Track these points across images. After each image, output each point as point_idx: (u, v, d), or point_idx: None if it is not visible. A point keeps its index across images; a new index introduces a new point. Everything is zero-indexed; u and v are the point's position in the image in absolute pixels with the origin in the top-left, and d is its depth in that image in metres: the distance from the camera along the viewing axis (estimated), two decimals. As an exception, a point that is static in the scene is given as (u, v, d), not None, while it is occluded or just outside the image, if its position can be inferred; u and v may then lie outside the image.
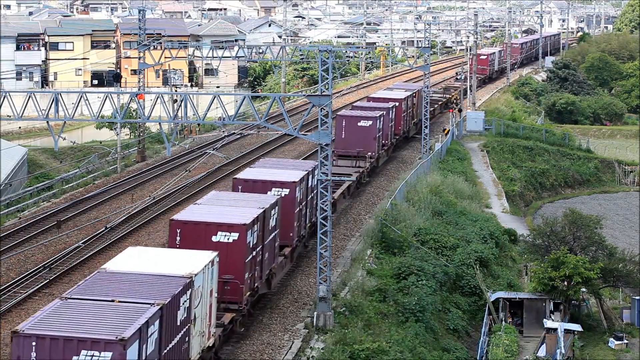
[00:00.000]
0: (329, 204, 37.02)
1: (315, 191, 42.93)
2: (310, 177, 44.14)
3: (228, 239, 32.62)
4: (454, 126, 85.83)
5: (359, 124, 62.40)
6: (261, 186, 40.44)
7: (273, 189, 40.34)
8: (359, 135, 61.71)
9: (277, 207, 37.89)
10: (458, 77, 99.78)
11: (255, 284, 35.01)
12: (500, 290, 49.60)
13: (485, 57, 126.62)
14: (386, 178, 65.18)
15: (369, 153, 61.83)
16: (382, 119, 64.36)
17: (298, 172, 43.02)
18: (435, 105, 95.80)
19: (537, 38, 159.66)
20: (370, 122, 62.14)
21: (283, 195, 40.01)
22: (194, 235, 32.73)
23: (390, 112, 68.85)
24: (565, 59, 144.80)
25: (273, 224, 37.22)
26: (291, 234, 41.05)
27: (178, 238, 33.08)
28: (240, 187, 40.56)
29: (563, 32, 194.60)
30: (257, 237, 34.40)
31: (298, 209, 41.79)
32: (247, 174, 42.97)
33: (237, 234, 32.68)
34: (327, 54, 40.12)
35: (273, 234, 37.36)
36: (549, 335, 44.87)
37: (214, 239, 32.58)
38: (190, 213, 35.01)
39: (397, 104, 72.01)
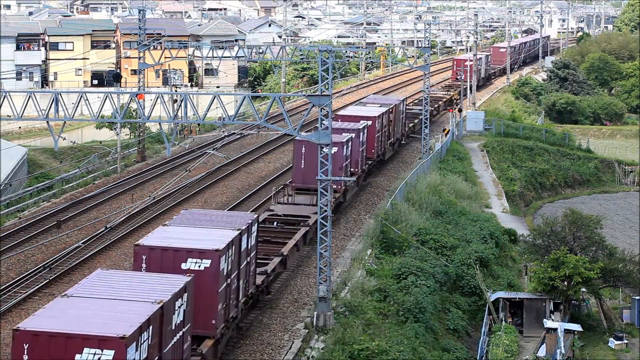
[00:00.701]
0: (329, 204, 37.02)
1: (251, 255, 34.10)
2: (245, 237, 33.20)
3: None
4: (454, 126, 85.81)
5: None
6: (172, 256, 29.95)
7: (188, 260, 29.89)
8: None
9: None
10: (458, 77, 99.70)
11: None
12: (500, 290, 49.61)
13: (472, 63, 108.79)
14: (386, 178, 65.17)
15: (334, 186, 50.83)
16: (350, 143, 54.49)
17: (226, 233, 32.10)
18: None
19: (525, 42, 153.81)
20: (335, 149, 47.85)
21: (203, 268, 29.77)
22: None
23: (362, 133, 58.02)
24: (565, 59, 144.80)
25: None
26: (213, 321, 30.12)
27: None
28: (144, 257, 29.90)
29: (563, 32, 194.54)
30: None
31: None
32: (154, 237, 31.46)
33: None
34: (327, 54, 40.12)
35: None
36: (549, 335, 44.88)
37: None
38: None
39: (369, 122, 61.33)
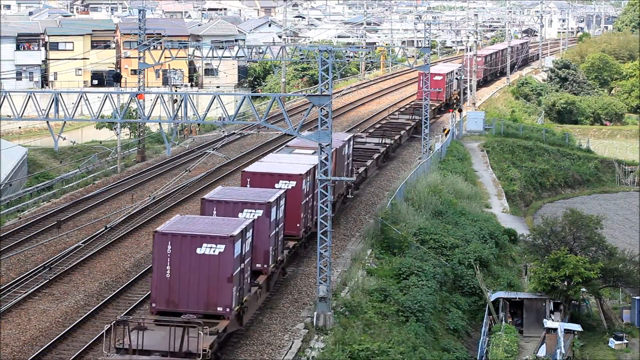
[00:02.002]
0: (329, 204, 37.02)
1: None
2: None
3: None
4: (454, 126, 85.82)
5: (198, 250, 32.05)
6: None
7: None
8: (199, 273, 31.96)
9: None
10: (458, 77, 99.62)
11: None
12: (500, 290, 49.61)
13: (441, 77, 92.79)
14: (386, 178, 65.17)
15: (220, 308, 32.12)
16: (253, 229, 34.75)
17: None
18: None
19: (504, 48, 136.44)
20: (222, 247, 31.78)
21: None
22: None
23: (275, 207, 37.85)
24: (565, 59, 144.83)
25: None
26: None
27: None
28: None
29: (563, 32, 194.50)
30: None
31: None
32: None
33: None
34: (327, 54, 40.13)
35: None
36: (549, 335, 44.88)
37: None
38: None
39: (294, 184, 42.68)
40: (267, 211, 37.15)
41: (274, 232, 37.97)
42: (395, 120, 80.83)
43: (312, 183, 44.83)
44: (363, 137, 69.69)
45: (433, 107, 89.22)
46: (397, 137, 73.85)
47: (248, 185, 42.28)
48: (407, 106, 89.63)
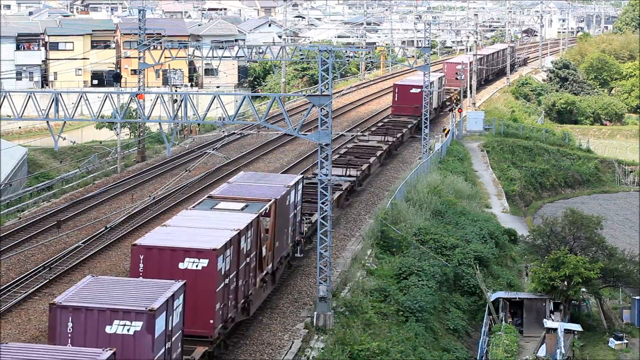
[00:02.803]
0: (329, 204, 37.03)
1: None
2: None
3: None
4: (454, 126, 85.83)
5: None
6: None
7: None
8: None
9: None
10: (458, 77, 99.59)
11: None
12: (500, 290, 49.62)
13: (418, 89, 77.51)
14: (386, 178, 65.19)
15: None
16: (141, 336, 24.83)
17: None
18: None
19: (487, 54, 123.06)
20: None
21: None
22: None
23: (172, 302, 26.31)
24: (565, 59, 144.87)
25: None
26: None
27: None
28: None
29: (563, 32, 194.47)
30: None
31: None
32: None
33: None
34: (327, 54, 40.14)
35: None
36: (549, 335, 44.89)
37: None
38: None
39: (206, 262, 30.43)
40: (149, 323, 24.88)
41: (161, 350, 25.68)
42: (364, 144, 67.54)
43: (236, 256, 32.33)
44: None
45: (409, 125, 77.70)
46: (364, 166, 58.99)
47: (140, 266, 30.03)
48: (380, 124, 78.15)
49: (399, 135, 73.70)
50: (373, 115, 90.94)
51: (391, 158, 71.86)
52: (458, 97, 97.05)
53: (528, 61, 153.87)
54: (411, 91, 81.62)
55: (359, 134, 71.95)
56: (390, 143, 69.87)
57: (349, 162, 58.81)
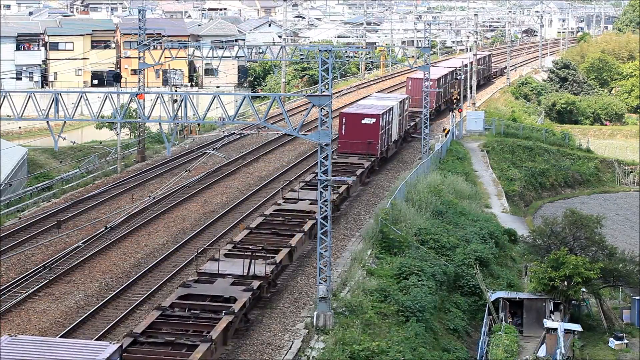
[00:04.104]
0: (329, 204, 37.03)
1: None
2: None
3: None
4: (454, 126, 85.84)
5: None
6: None
7: None
8: None
9: None
10: (458, 77, 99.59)
11: None
12: (500, 290, 49.61)
13: (373, 120, 63.19)
14: (386, 178, 65.17)
15: None
16: None
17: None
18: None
19: (453, 69, 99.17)
20: None
21: None
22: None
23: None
24: (565, 59, 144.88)
25: None
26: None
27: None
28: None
29: (563, 32, 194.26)
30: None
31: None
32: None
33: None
34: (327, 54, 40.12)
35: None
36: (549, 335, 44.88)
37: None
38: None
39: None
40: None
41: None
42: (291, 207, 47.51)
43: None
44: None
45: (358, 171, 58.17)
46: (278, 260, 39.36)
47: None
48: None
49: (341, 190, 52.08)
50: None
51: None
52: (458, 97, 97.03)
53: (507, 69, 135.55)
54: (363, 122, 62.94)
55: (295, 188, 51.23)
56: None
57: (252, 255, 38.07)
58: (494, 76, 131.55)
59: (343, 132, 63.38)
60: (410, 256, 47.48)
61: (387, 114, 65.91)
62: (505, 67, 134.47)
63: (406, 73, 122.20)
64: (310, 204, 46.62)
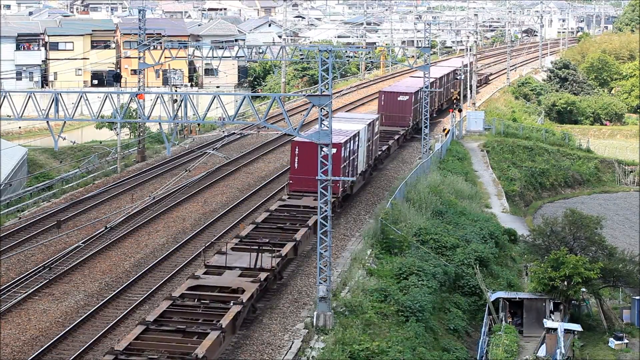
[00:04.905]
0: (329, 204, 37.02)
1: None
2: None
3: None
4: (454, 126, 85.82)
5: None
6: None
7: None
8: None
9: None
10: (458, 77, 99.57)
11: None
12: (500, 290, 49.61)
13: (334, 151, 42.92)
14: (386, 178, 65.16)
15: None
16: None
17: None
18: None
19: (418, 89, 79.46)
20: None
21: None
22: None
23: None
24: (565, 59, 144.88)
25: None
26: None
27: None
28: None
29: (563, 32, 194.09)
30: None
31: None
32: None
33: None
34: (327, 54, 40.12)
35: None
36: (549, 335, 44.88)
37: None
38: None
39: None
40: None
41: None
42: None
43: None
44: None
45: (309, 221, 44.83)
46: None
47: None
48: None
49: (285, 251, 40.44)
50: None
51: (390, 159, 71.26)
52: (458, 97, 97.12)
53: (492, 77, 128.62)
54: (337, 150, 49.22)
55: (234, 244, 41.34)
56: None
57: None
58: (479, 84, 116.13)
59: (296, 165, 50.84)
60: (410, 256, 47.48)
61: (352, 142, 53.76)
62: (491, 74, 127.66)
63: (406, 73, 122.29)
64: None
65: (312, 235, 44.30)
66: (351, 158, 54.07)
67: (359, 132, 56.37)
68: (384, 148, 67.94)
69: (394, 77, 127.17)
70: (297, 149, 51.03)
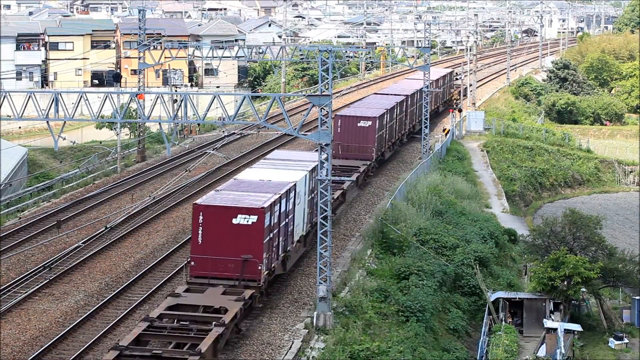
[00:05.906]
0: (329, 204, 37.02)
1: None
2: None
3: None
4: (454, 126, 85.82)
5: None
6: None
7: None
8: None
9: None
10: (457, 78, 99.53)
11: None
12: (500, 290, 49.62)
13: (253, 219, 35.71)
14: (386, 178, 65.17)
15: None
16: None
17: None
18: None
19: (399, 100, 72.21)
20: None
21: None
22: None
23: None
24: (565, 59, 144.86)
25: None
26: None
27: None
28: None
29: (563, 32, 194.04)
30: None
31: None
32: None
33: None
34: (327, 54, 40.15)
35: None
36: (549, 335, 44.88)
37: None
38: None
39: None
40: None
41: None
42: None
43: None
44: None
45: (229, 316, 33.40)
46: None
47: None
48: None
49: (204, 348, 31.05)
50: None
51: (391, 159, 70.87)
52: (458, 97, 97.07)
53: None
54: (234, 221, 36.08)
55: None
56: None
57: None
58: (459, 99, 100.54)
59: (199, 240, 36.32)
60: (410, 256, 47.48)
61: (278, 205, 38.18)
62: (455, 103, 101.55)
63: (406, 73, 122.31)
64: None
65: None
66: (283, 224, 38.93)
67: (295, 184, 40.64)
68: (336, 195, 50.68)
69: (393, 77, 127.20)
70: (201, 216, 36.41)
